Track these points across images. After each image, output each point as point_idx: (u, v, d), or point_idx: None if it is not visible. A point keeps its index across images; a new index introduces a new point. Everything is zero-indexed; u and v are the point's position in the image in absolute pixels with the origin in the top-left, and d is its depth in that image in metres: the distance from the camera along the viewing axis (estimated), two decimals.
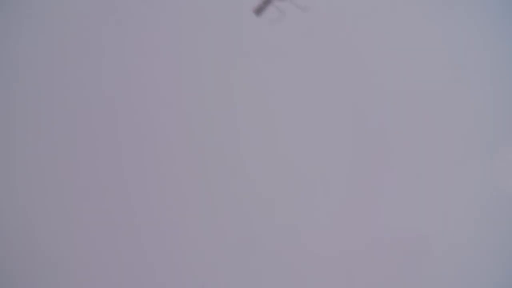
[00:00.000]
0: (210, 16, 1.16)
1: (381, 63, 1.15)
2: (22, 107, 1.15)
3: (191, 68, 1.16)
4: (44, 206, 1.14)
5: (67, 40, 1.16)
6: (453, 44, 1.16)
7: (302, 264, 1.13)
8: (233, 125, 1.15)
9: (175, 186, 1.14)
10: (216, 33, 1.16)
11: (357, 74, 1.15)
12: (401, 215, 1.13)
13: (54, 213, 1.13)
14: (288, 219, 1.13)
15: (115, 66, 1.16)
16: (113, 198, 1.14)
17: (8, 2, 1.16)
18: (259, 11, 1.07)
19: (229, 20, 1.16)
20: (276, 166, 1.14)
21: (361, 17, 1.16)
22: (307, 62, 1.16)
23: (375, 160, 1.14)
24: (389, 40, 1.16)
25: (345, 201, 1.14)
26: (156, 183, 1.14)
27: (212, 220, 1.13)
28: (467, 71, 1.15)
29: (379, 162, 1.14)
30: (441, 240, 1.13)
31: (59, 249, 1.13)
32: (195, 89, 1.16)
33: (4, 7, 1.16)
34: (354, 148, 1.14)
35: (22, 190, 1.14)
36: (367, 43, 1.16)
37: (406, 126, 1.15)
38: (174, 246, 1.13)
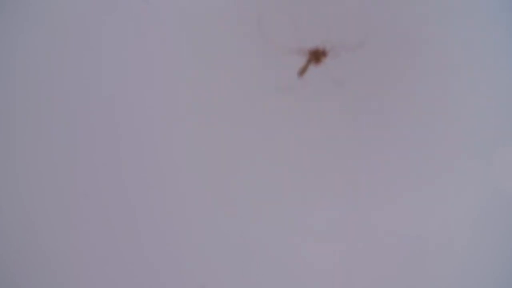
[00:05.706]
0: (210, 16, 1.17)
1: (381, 63, 1.15)
2: (22, 107, 1.15)
3: (191, 68, 1.16)
4: (44, 206, 1.14)
5: (67, 40, 1.16)
6: (453, 44, 1.16)
7: (301, 264, 1.13)
8: (233, 125, 1.15)
9: (175, 185, 1.14)
10: (216, 32, 1.16)
11: (357, 74, 1.15)
12: (401, 215, 1.13)
13: (54, 213, 1.14)
14: (288, 219, 1.13)
15: (115, 66, 1.16)
16: (113, 197, 1.14)
17: (8, 2, 1.16)
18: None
19: (229, 20, 1.16)
20: (276, 166, 1.15)
21: (361, 17, 1.16)
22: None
23: (375, 160, 1.14)
24: (389, 40, 1.16)
25: (344, 201, 1.14)
26: (156, 182, 1.14)
27: (212, 220, 1.14)
28: (466, 71, 1.15)
29: (378, 162, 1.14)
30: (441, 240, 1.13)
31: (59, 249, 1.13)
32: (195, 89, 1.16)
33: (4, 7, 1.16)
34: (353, 148, 1.14)
35: (22, 189, 1.14)
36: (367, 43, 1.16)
37: (406, 125, 1.15)
38: (174, 246, 1.13)
